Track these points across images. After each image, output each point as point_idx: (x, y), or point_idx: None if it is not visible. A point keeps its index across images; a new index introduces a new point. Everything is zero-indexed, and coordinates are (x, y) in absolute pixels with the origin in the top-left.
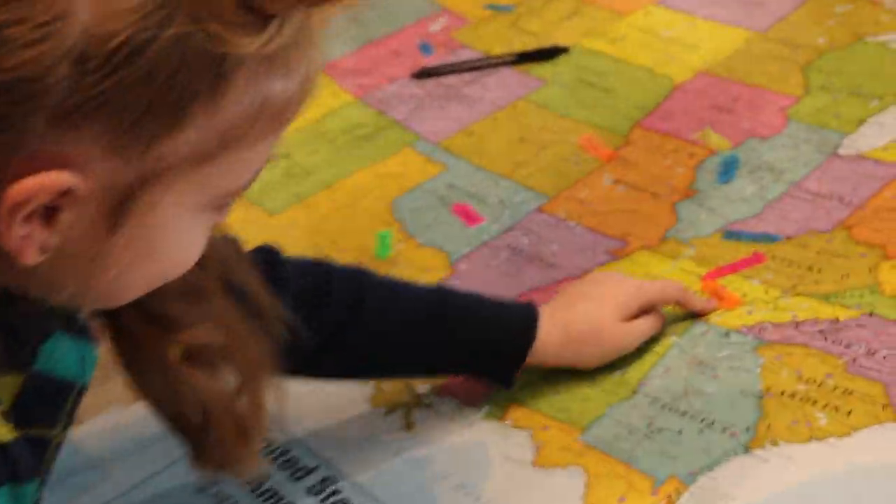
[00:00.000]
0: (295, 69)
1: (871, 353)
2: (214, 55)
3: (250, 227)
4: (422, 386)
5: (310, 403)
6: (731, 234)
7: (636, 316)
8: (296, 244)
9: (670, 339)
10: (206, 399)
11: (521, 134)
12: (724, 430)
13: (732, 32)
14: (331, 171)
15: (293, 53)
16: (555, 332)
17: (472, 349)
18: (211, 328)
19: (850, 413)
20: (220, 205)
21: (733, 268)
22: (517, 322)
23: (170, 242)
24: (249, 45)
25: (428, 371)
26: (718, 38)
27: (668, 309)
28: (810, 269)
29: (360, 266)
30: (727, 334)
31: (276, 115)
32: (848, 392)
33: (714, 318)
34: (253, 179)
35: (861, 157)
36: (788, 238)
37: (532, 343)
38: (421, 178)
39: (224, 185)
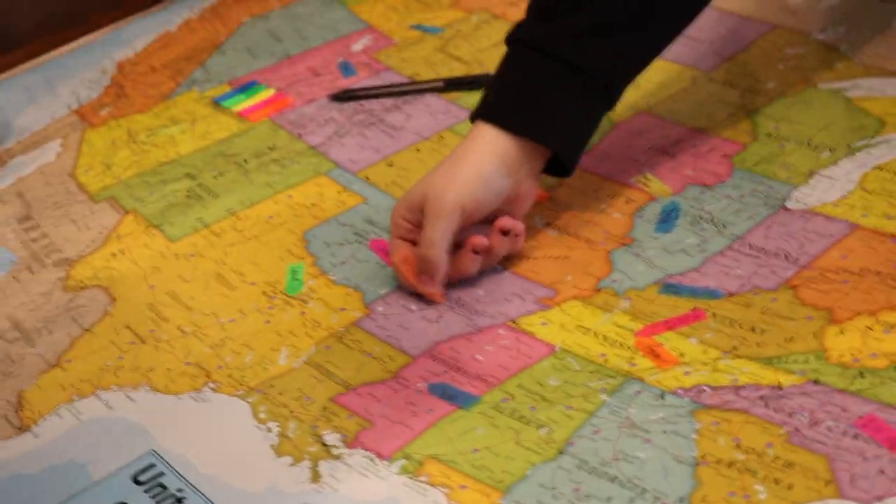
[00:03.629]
0: None
1: (814, 424)
2: None
3: (148, 253)
4: (330, 435)
5: (208, 448)
6: (669, 288)
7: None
8: (198, 275)
9: (600, 398)
10: None
11: None
12: (655, 499)
13: (677, 71)
14: (238, 197)
15: None
16: None
17: None
18: None
19: (791, 487)
20: None
21: (670, 324)
22: None
23: None
24: None
25: None
26: (661, 76)
27: (597, 366)
28: (753, 329)
29: None
30: (662, 395)
31: None
32: (789, 464)
33: (649, 378)
34: None
35: (810, 213)
36: (730, 295)
37: None
38: (337, 209)
39: None
